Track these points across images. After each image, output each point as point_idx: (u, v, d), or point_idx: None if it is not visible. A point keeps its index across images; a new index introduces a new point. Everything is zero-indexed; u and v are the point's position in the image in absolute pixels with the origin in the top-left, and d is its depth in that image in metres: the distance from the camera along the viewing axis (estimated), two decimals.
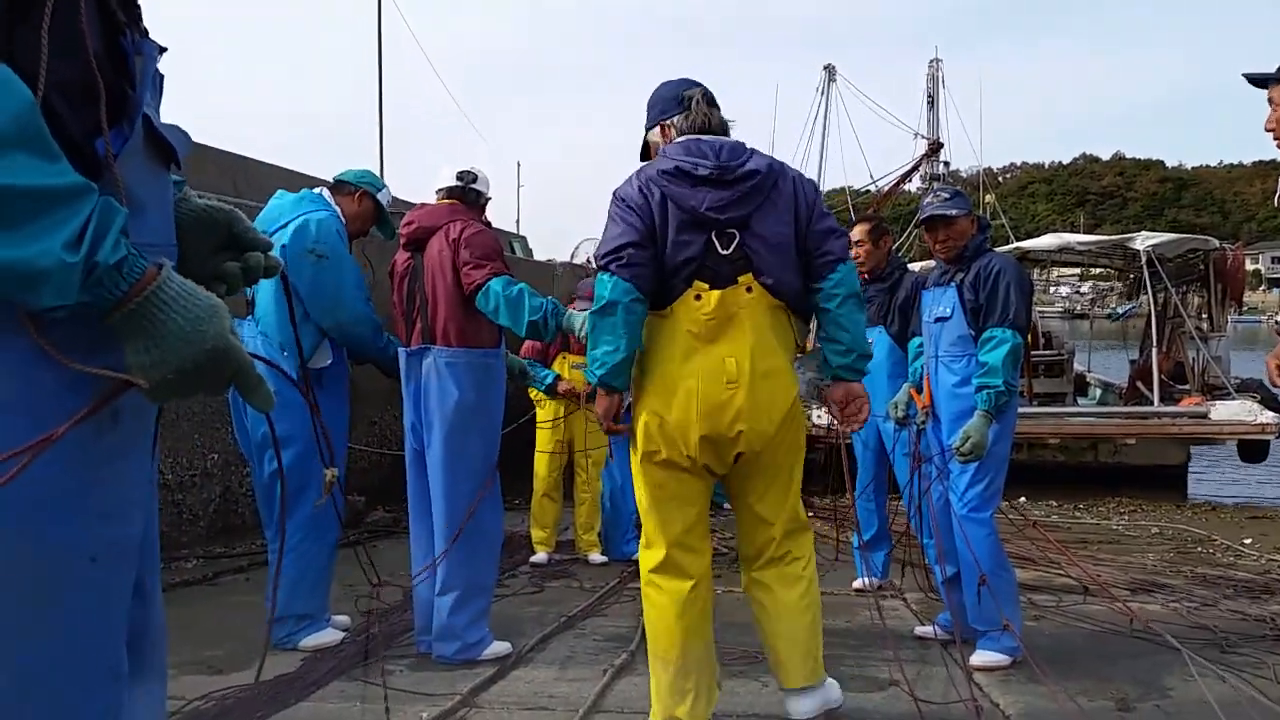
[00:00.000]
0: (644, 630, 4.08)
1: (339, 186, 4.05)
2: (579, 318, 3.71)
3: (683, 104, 2.93)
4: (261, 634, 3.68)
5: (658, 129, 2.99)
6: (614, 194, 2.86)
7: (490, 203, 4.02)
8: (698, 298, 2.73)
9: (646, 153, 3.07)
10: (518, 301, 3.58)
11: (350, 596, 4.39)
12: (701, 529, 2.90)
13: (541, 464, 5.92)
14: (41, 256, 1.06)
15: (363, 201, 4.05)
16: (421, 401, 3.73)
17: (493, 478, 3.79)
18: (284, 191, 4.03)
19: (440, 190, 3.90)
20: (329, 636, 3.84)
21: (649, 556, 2.90)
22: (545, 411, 5.92)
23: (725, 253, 2.74)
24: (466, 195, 3.88)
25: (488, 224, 3.91)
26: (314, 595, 3.84)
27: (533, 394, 5.95)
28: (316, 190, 4.03)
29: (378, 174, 4.26)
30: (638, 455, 2.86)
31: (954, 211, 3.82)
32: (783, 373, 2.80)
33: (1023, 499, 8.03)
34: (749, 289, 2.75)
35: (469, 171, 3.88)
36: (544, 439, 5.93)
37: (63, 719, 1.23)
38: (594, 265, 2.82)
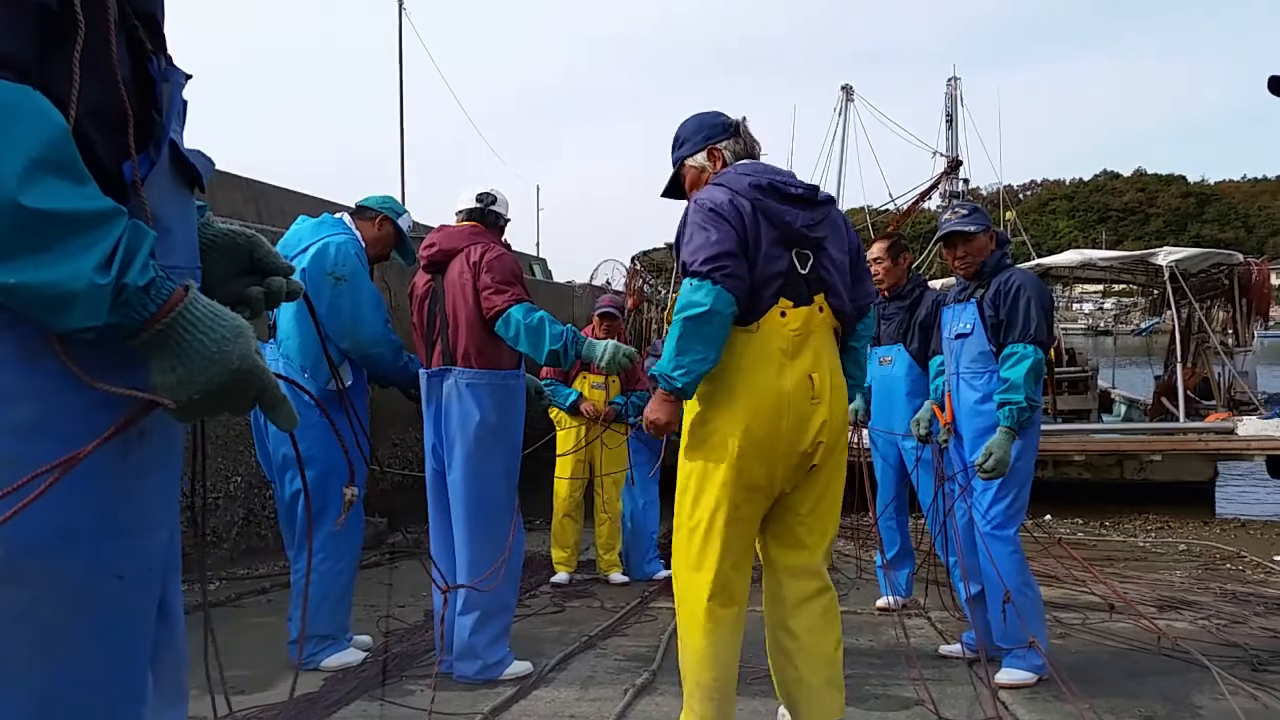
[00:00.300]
0: (667, 650, 4.10)
1: (360, 211, 4.09)
2: (599, 346, 3.73)
3: (729, 130, 2.99)
4: (282, 654, 3.70)
5: (703, 154, 2.99)
6: (697, 202, 2.79)
7: (510, 224, 4.05)
8: (783, 314, 2.76)
9: (677, 180, 3.07)
10: (538, 329, 3.60)
11: (372, 618, 4.41)
12: (751, 552, 2.89)
13: (562, 485, 5.92)
14: (73, 279, 1.08)
15: (383, 226, 4.08)
16: (442, 423, 3.74)
17: (516, 498, 3.80)
18: (305, 216, 4.07)
19: (460, 212, 3.93)
20: (350, 656, 3.85)
21: (701, 581, 2.76)
22: (565, 434, 5.93)
23: (804, 272, 2.80)
24: (486, 217, 3.90)
25: (507, 246, 3.92)
26: (335, 615, 3.85)
27: (553, 414, 5.96)
28: (337, 215, 4.08)
29: (399, 200, 4.30)
30: (720, 476, 2.73)
31: (972, 228, 3.81)
32: (845, 389, 2.92)
33: (1048, 517, 7.97)
34: (820, 309, 2.82)
35: (488, 193, 3.91)
36: (564, 460, 5.94)
37: None
38: (681, 268, 2.75)
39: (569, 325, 3.72)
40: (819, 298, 2.81)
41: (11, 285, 1.07)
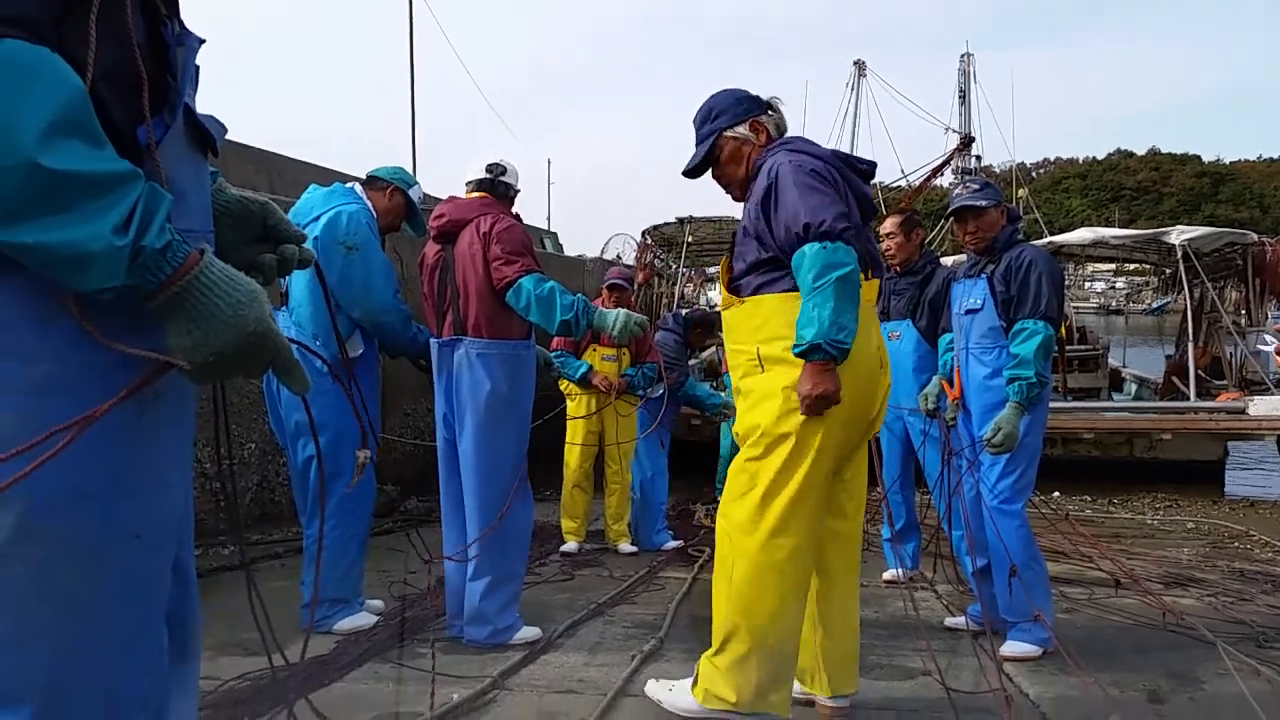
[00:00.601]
0: (674, 618, 4.14)
1: (371, 182, 4.10)
2: (610, 315, 3.74)
3: (764, 106, 3.02)
4: (295, 618, 3.75)
5: (745, 126, 2.98)
6: (794, 165, 2.76)
7: (519, 195, 4.05)
8: (866, 280, 2.83)
9: (710, 154, 3.02)
10: (549, 300, 3.61)
11: (384, 583, 4.46)
12: None
13: (572, 455, 5.96)
14: (91, 240, 1.10)
15: (394, 197, 4.09)
16: (453, 392, 3.77)
17: (524, 467, 3.83)
18: (316, 185, 4.09)
19: (470, 182, 3.93)
20: (363, 620, 3.90)
21: (782, 546, 2.74)
22: (576, 403, 5.96)
23: (868, 245, 2.92)
24: (496, 188, 3.91)
25: (517, 217, 3.93)
26: (347, 579, 3.90)
27: (563, 386, 5.99)
28: (348, 185, 4.09)
29: (410, 171, 4.31)
30: (817, 441, 2.72)
31: (983, 202, 3.80)
32: None
33: (1056, 493, 7.98)
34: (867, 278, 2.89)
35: (498, 164, 3.92)
36: (575, 430, 5.97)
37: (106, 691, 1.26)
38: (799, 232, 2.65)
39: (579, 295, 3.73)
40: (870, 271, 2.92)
41: (31, 245, 1.09)
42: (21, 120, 1.06)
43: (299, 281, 3.81)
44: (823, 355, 2.60)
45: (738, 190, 3.05)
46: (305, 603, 3.89)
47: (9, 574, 1.17)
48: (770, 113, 3.03)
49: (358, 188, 4.06)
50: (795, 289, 2.74)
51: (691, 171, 3.08)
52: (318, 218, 3.84)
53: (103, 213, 1.11)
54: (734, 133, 2.99)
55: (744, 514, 2.78)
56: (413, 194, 4.15)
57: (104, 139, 1.14)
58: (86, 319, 1.17)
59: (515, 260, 3.67)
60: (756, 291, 2.86)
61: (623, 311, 3.79)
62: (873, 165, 3.00)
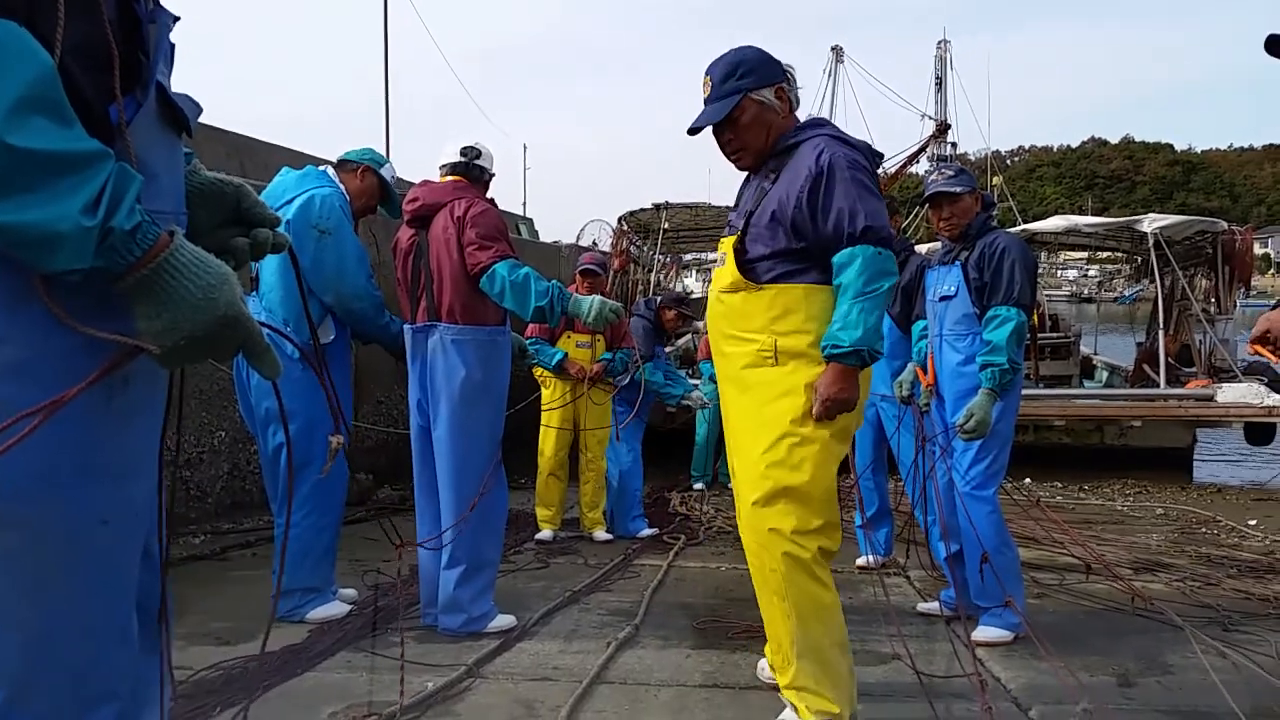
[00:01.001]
0: (649, 605, 4.15)
1: (342, 165, 4.06)
2: (585, 302, 3.73)
3: (786, 76, 2.84)
4: (266, 607, 3.72)
5: (772, 91, 2.78)
6: (849, 159, 2.65)
7: (494, 179, 4.02)
8: None
9: (730, 113, 2.77)
10: (523, 286, 3.59)
11: (357, 572, 4.43)
12: None
13: (547, 443, 5.94)
14: (59, 220, 1.08)
15: (365, 177, 4.04)
16: (427, 378, 3.74)
17: (499, 454, 3.81)
18: (288, 169, 4.03)
19: (444, 166, 3.90)
20: (335, 609, 3.87)
21: (830, 543, 2.69)
22: (550, 390, 5.94)
23: None
24: (470, 171, 3.88)
25: (492, 201, 3.90)
26: (319, 568, 3.87)
27: (537, 373, 5.97)
28: (320, 168, 4.04)
29: (385, 156, 4.26)
30: (847, 440, 2.74)
31: (958, 189, 3.81)
32: None
33: (1028, 480, 8.05)
34: None
35: (473, 147, 3.88)
36: (549, 418, 5.95)
37: (75, 679, 1.25)
38: (857, 232, 2.58)
39: (554, 281, 3.71)
40: None
41: None
42: None
43: (270, 266, 3.75)
44: (858, 362, 2.55)
45: (750, 159, 2.84)
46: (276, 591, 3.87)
47: None
48: (790, 84, 2.85)
49: (330, 171, 4.01)
50: (821, 282, 2.65)
51: (699, 129, 2.84)
52: (290, 200, 3.78)
53: (71, 192, 1.09)
54: (760, 96, 2.76)
55: (783, 521, 2.62)
56: (384, 173, 4.10)
57: (73, 117, 1.12)
58: (54, 301, 1.15)
59: (489, 245, 3.64)
60: (778, 279, 2.69)
61: (597, 298, 3.78)
62: (881, 158, 2.97)
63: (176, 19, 1.39)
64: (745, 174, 2.94)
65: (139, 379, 1.28)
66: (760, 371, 2.69)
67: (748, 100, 2.76)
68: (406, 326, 3.84)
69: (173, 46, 1.40)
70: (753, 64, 2.79)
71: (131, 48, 1.27)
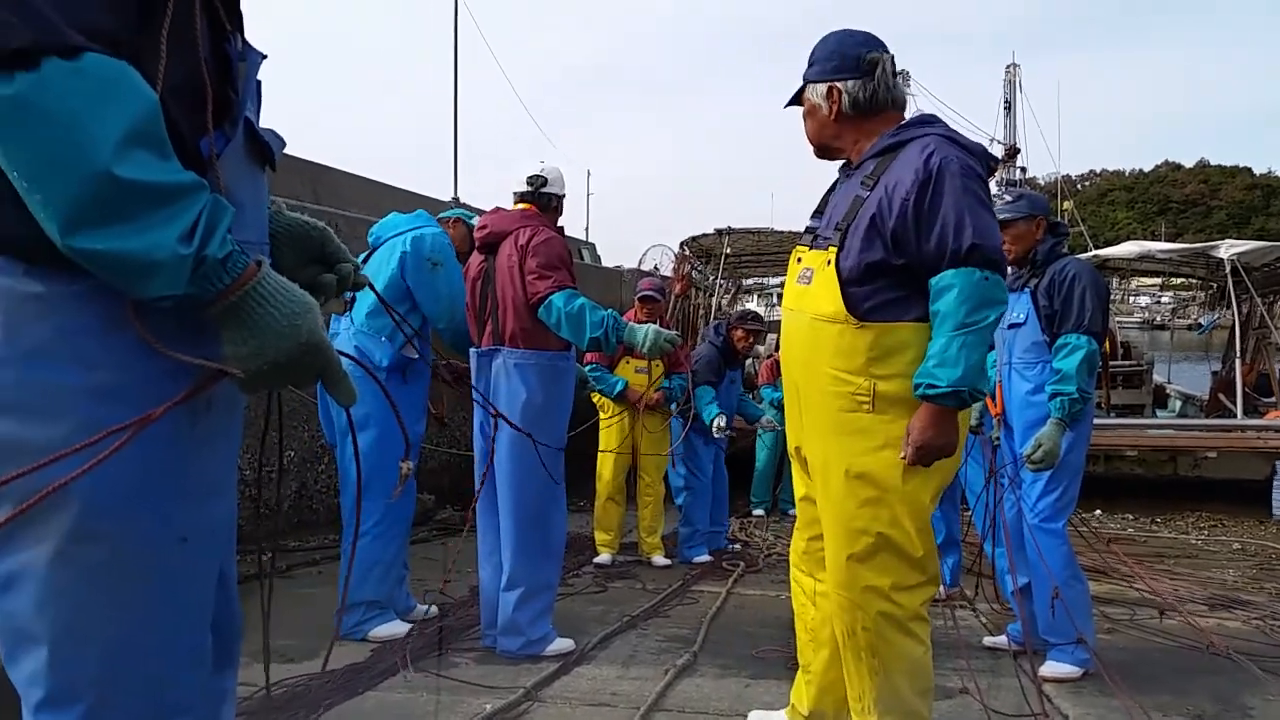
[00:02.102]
0: (708, 632, 4.12)
1: (440, 219, 4.37)
2: (640, 332, 3.75)
3: (862, 66, 2.55)
4: (331, 626, 3.78)
5: (824, 87, 2.58)
6: (963, 165, 2.35)
7: (564, 199, 4.08)
8: None
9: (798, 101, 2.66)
10: (579, 317, 3.63)
11: (419, 591, 4.48)
12: None
13: (605, 467, 5.95)
14: (157, 248, 1.13)
15: (458, 227, 4.37)
16: (491, 400, 3.79)
17: (560, 478, 3.84)
18: (397, 213, 4.31)
19: (515, 194, 3.98)
20: (397, 628, 3.93)
21: (928, 593, 2.52)
22: (608, 415, 5.96)
23: None
24: (539, 199, 3.94)
25: (560, 230, 3.95)
26: (383, 583, 3.95)
27: (595, 399, 5.99)
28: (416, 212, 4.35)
29: (452, 183, 4.48)
30: (945, 480, 2.51)
31: (1008, 214, 3.73)
32: None
33: (1098, 511, 7.85)
34: None
35: (539, 175, 3.95)
36: (607, 442, 5.96)
37: (151, 693, 1.28)
38: (971, 251, 2.27)
39: (610, 310, 3.74)
40: None
41: (100, 251, 1.12)
42: (100, 131, 1.09)
43: (366, 295, 3.94)
44: (957, 404, 2.27)
45: (814, 148, 2.69)
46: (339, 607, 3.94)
47: (65, 574, 1.20)
48: (860, 79, 2.54)
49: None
50: (927, 318, 2.36)
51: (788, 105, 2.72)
52: (403, 233, 4.06)
53: (169, 222, 1.14)
54: (812, 90, 2.61)
55: (881, 578, 2.43)
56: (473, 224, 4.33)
57: (171, 150, 1.17)
58: (145, 327, 1.20)
59: (548, 275, 3.68)
60: (882, 316, 2.39)
61: (653, 328, 3.80)
62: (999, 162, 2.68)
63: (264, 57, 1.45)
64: (834, 180, 2.73)
65: (220, 404, 1.33)
66: (855, 418, 2.41)
67: (807, 89, 2.64)
68: (472, 350, 3.90)
69: (260, 84, 1.46)
70: (821, 54, 2.62)
71: (222, 85, 1.33)
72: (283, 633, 3.85)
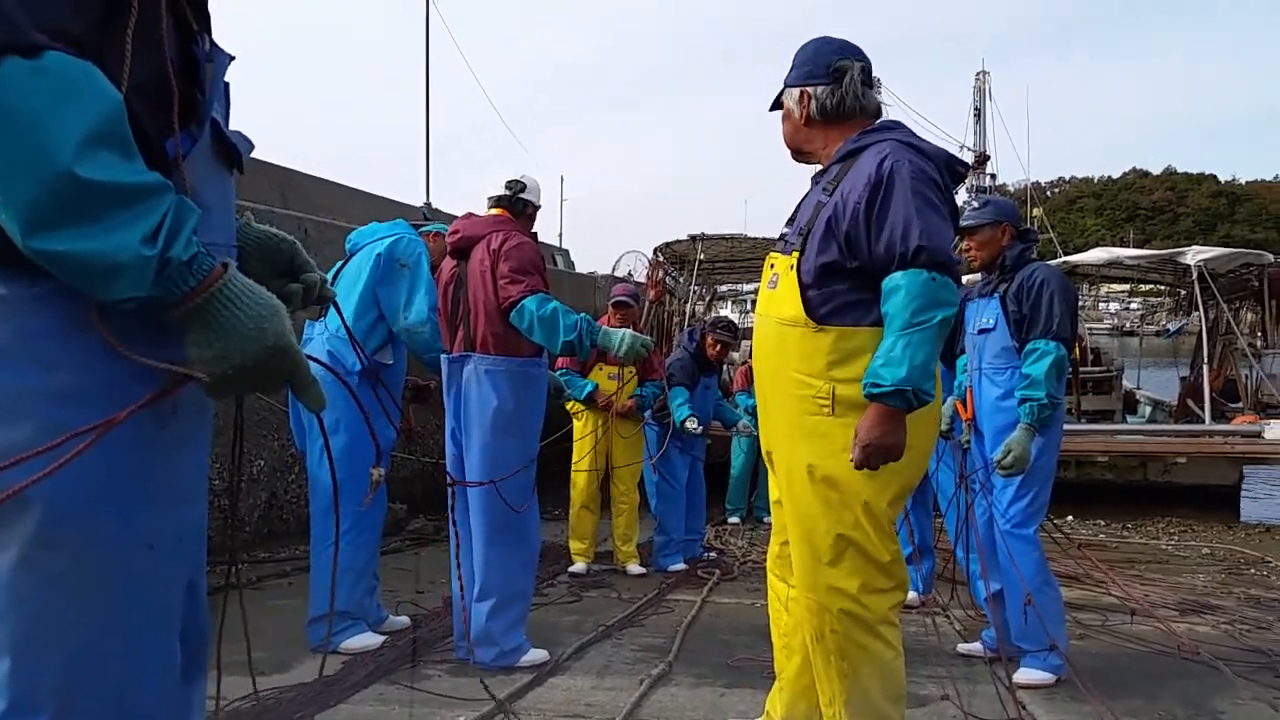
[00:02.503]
0: (683, 641, 4.10)
1: (420, 230, 4.38)
2: (615, 336, 3.74)
3: (831, 75, 2.57)
4: (302, 637, 3.73)
5: (797, 92, 2.61)
6: (914, 168, 2.36)
7: (540, 210, 4.07)
8: None
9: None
10: (551, 320, 3.61)
11: (391, 602, 4.44)
12: None
13: (579, 476, 5.93)
14: (120, 249, 1.11)
15: (437, 240, 4.38)
16: (461, 407, 3.76)
17: (531, 485, 3.81)
18: (377, 222, 4.36)
19: (490, 198, 3.95)
20: (370, 640, 3.89)
21: (896, 599, 2.50)
22: (582, 422, 5.94)
23: None
24: (514, 205, 3.93)
25: (534, 236, 3.94)
26: (353, 592, 3.91)
27: (569, 406, 5.97)
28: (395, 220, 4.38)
29: (424, 188, 4.44)
30: (910, 488, 2.52)
31: (971, 221, 3.79)
32: None
33: (1070, 517, 7.91)
34: None
35: (518, 181, 3.94)
36: (581, 451, 5.94)
37: (116, 702, 1.26)
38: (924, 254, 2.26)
39: (583, 315, 3.73)
40: None
41: (62, 253, 1.10)
42: (61, 131, 1.08)
43: (346, 293, 3.98)
44: (902, 403, 2.25)
45: (791, 151, 2.71)
46: (311, 618, 3.89)
47: (26, 580, 1.18)
48: (829, 85, 2.57)
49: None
50: None
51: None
52: (382, 238, 4.11)
53: (133, 223, 1.12)
54: (788, 95, 2.64)
55: (848, 581, 2.43)
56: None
57: (136, 151, 1.16)
58: (108, 329, 1.18)
59: (520, 280, 3.66)
60: (840, 319, 2.42)
61: (628, 332, 3.80)
62: (968, 168, 2.66)
63: (232, 59, 1.43)
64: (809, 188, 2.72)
65: (188, 409, 1.31)
66: (817, 421, 2.42)
67: (784, 94, 2.67)
68: (443, 356, 3.87)
69: (228, 86, 1.45)
70: (798, 59, 2.65)
71: (189, 86, 1.31)
72: (253, 644, 3.79)
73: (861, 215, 2.36)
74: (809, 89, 2.59)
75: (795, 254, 2.48)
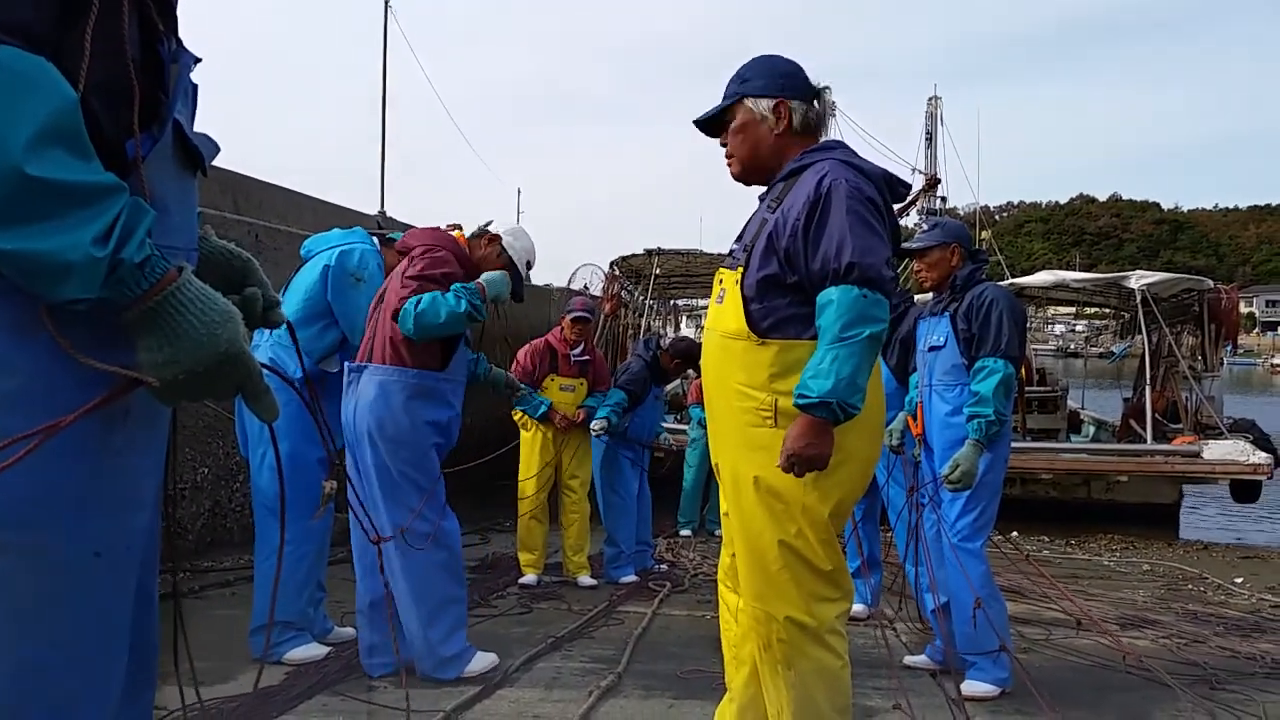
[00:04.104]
0: (633, 653, 4.09)
1: (384, 241, 4.31)
2: (491, 279, 3.66)
3: (809, 94, 2.62)
4: (244, 648, 3.66)
5: (769, 103, 2.59)
6: (850, 186, 2.41)
7: (502, 239, 3.92)
8: None
9: (721, 116, 2.67)
10: (431, 308, 3.48)
11: (336, 613, 4.37)
12: None
13: (527, 487, 5.88)
14: (70, 250, 1.09)
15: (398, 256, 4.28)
16: (353, 417, 3.65)
17: (432, 490, 3.67)
18: (338, 228, 4.27)
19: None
20: (314, 650, 3.82)
21: (840, 607, 2.53)
22: (531, 434, 5.90)
23: None
24: (477, 233, 3.90)
25: (493, 269, 3.80)
26: (296, 602, 3.83)
27: (516, 416, 5.93)
28: (358, 228, 4.32)
29: (379, 197, 4.39)
30: (852, 501, 2.56)
31: (921, 242, 3.88)
32: None
33: (1015, 533, 8.03)
34: None
35: (501, 228, 3.94)
36: (528, 462, 5.90)
37: (62, 711, 1.23)
38: (855, 272, 2.31)
39: (460, 284, 3.60)
40: None
41: (10, 252, 1.08)
42: (11, 127, 1.06)
43: (292, 299, 3.92)
44: (828, 415, 2.29)
45: (736, 168, 2.68)
46: (253, 628, 3.82)
47: None
48: (807, 103, 2.62)
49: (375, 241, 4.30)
50: None
51: (702, 124, 2.71)
52: (334, 247, 4.04)
53: (84, 223, 1.10)
54: (754, 104, 2.60)
55: (793, 590, 2.46)
56: None
57: (91, 151, 1.14)
58: (58, 331, 1.16)
59: (411, 283, 3.57)
60: (782, 333, 2.46)
61: (500, 273, 3.73)
62: (909, 187, 2.69)
63: (198, 60, 1.42)
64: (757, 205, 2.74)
65: (138, 414, 1.28)
66: (760, 433, 2.46)
67: (740, 105, 2.62)
68: (346, 364, 3.79)
69: (194, 87, 1.43)
70: (758, 71, 2.64)
71: (152, 85, 1.29)
72: (194, 655, 3.71)
73: (800, 231, 2.41)
74: (787, 101, 2.60)
75: (740, 269, 2.53)
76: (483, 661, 3.72)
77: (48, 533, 1.18)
